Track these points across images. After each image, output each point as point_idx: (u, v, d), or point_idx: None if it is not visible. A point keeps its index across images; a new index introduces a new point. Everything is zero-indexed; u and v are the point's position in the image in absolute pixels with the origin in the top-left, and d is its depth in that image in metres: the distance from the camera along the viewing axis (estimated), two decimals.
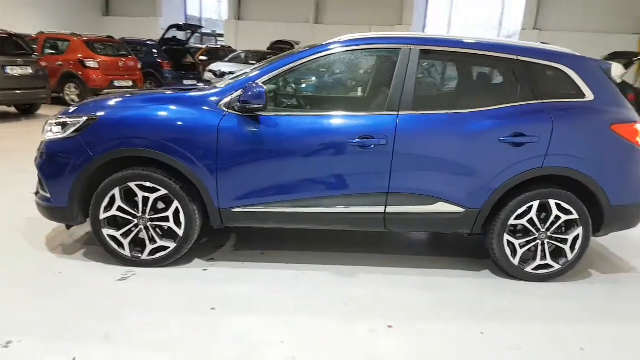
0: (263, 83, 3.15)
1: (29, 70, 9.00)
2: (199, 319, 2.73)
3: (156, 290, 3.02)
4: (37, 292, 2.93)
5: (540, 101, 3.15)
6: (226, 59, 17.91)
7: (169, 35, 14.41)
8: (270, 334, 2.61)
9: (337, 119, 3.19)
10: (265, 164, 3.15)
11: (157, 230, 3.27)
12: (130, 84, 11.79)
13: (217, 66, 16.40)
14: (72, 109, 3.43)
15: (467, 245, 3.95)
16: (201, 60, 17.02)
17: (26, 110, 9.71)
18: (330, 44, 3.26)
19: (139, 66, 12.26)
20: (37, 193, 3.44)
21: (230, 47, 21.75)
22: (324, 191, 3.17)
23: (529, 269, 3.27)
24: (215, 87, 3.34)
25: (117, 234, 3.25)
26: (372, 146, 3.08)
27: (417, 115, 3.13)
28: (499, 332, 2.72)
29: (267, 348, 2.50)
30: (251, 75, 3.25)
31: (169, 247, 3.28)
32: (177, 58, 14.24)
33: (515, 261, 3.25)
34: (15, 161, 6.10)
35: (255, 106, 3.03)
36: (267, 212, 3.22)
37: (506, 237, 3.21)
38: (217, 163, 3.13)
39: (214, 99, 3.19)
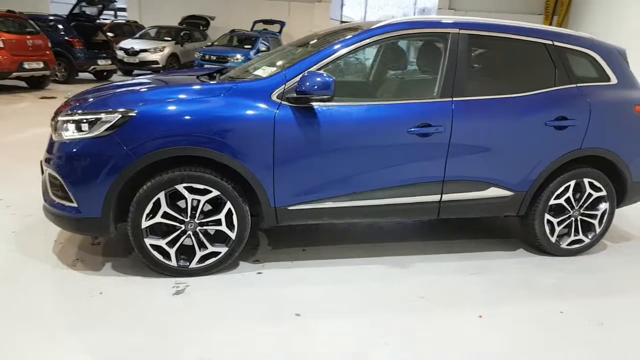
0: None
1: None
2: (288, 328, 2.57)
3: (222, 301, 2.79)
4: (89, 321, 2.57)
5: (575, 85, 3.35)
6: (136, 36, 16.65)
7: (77, 9, 13.03)
8: (369, 336, 2.54)
9: (393, 107, 3.12)
10: (322, 157, 3.00)
11: (206, 235, 3.01)
12: (42, 65, 10.53)
13: (128, 43, 15.20)
14: (86, 101, 2.99)
15: (486, 225, 4.12)
16: None
17: None
18: (378, 28, 3.14)
19: (49, 45, 10.96)
20: (50, 202, 2.98)
21: (136, 22, 20.19)
22: (381, 183, 3.11)
23: (564, 245, 3.50)
24: (260, 77, 3.09)
25: (162, 243, 2.94)
26: (431, 134, 3.07)
27: (470, 101, 3.16)
28: (574, 310, 2.88)
29: (377, 351, 2.43)
30: (301, 63, 3.05)
31: (220, 252, 3.03)
32: (87, 35, 12.94)
33: (553, 239, 3.46)
34: None
35: (321, 97, 2.85)
36: (323, 208, 3.10)
37: (546, 216, 3.40)
38: (274, 159, 2.93)
39: (266, 89, 2.95)
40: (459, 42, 3.19)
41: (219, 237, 3.05)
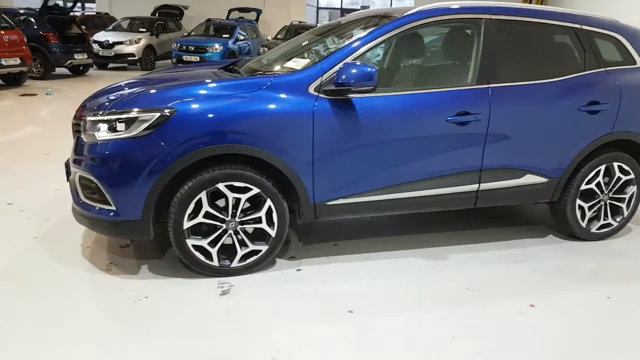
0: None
1: None
2: (348, 326, 2.53)
3: (271, 300, 2.73)
4: (146, 327, 2.47)
5: (604, 69, 3.38)
6: (109, 28, 16.14)
7: (50, 2, 12.53)
8: (431, 331, 2.51)
9: (431, 95, 3.07)
10: (361, 150, 2.95)
11: (246, 233, 2.94)
12: (18, 61, 10.10)
13: (102, 36, 14.72)
14: (116, 100, 2.86)
15: (507, 212, 4.15)
16: None
17: None
18: (412, 15, 3.08)
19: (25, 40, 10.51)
20: (83, 206, 2.85)
21: (107, 13, 19.58)
22: (419, 174, 3.08)
23: (594, 229, 3.55)
24: (294, 69, 3.01)
25: (204, 243, 2.85)
26: (469, 122, 3.05)
27: (506, 87, 3.15)
28: (620, 294, 2.93)
29: (447, 345, 2.40)
30: (337, 53, 2.97)
31: (260, 251, 2.96)
32: (61, 29, 12.47)
33: (584, 223, 3.50)
34: None
35: (363, 88, 2.79)
36: (362, 202, 3.05)
37: (578, 201, 3.44)
38: (314, 154, 2.86)
39: (303, 82, 2.87)
40: (493, 28, 3.17)
41: (259, 235, 2.99)
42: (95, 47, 14.08)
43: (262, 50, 15.27)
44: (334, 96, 2.87)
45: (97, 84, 12.06)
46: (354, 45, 3.00)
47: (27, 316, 2.50)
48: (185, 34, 16.72)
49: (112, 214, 2.74)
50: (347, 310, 2.65)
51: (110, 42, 14.49)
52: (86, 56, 12.82)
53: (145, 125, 2.65)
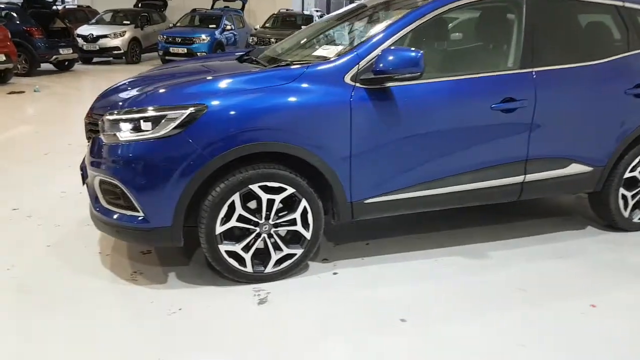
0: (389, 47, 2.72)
1: None
2: (404, 337, 2.34)
3: (314, 308, 2.55)
4: (187, 343, 2.29)
5: None
6: (92, 21, 15.69)
7: None
8: (495, 339, 2.33)
9: (475, 81, 2.90)
10: (401, 143, 2.78)
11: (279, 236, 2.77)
12: (3, 58, 9.71)
13: (86, 30, 14.32)
14: (138, 97, 2.66)
15: (537, 204, 4.03)
16: None
17: None
18: None
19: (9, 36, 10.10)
20: (105, 213, 2.65)
21: (89, 6, 19.04)
22: (462, 167, 2.92)
23: (636, 219, 3.42)
24: (326, 57, 2.81)
25: (237, 248, 2.67)
26: (515, 109, 2.90)
27: (551, 71, 2.99)
28: None
29: (516, 353, 2.24)
30: (373, 38, 2.77)
31: (295, 254, 2.79)
32: (45, 23, 12.04)
33: (627, 213, 3.38)
34: None
35: (408, 75, 2.60)
36: (402, 199, 2.89)
37: (621, 190, 3.32)
38: (351, 148, 2.69)
39: (338, 72, 2.69)
40: (534, 8, 2.99)
41: (293, 238, 2.82)
42: (80, 41, 13.67)
43: (250, 40, 15.01)
44: (371, 85, 2.69)
45: (83, 78, 11.72)
46: (391, 29, 2.79)
47: (55, 336, 2.30)
48: (171, 25, 16.36)
49: (140, 221, 2.54)
50: (398, 318, 2.47)
51: (95, 36, 14.10)
52: (71, 51, 12.43)
53: (175, 123, 2.45)
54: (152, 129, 2.48)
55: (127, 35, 14.60)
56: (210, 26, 15.29)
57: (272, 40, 13.40)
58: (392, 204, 2.90)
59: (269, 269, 2.76)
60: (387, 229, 3.48)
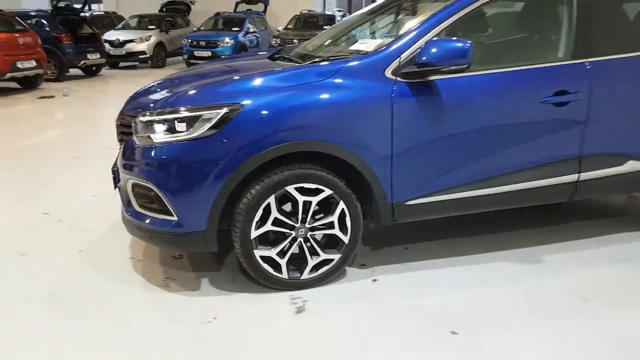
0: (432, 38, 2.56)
1: None
2: (459, 353, 2.18)
3: (355, 318, 2.41)
4: (225, 355, 2.19)
5: None
6: (119, 27, 15.89)
7: (61, 3, 12.28)
8: (560, 356, 2.15)
9: (525, 73, 2.73)
10: (446, 140, 2.62)
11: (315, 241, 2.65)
12: (34, 64, 9.85)
13: (112, 35, 14.49)
14: (171, 97, 2.58)
15: (584, 203, 3.81)
16: None
17: None
18: None
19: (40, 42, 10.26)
20: (138, 217, 2.57)
21: (114, 12, 19.30)
22: (513, 165, 2.74)
23: None
24: (364, 52, 2.68)
25: (272, 254, 2.56)
26: (568, 102, 2.71)
27: (606, 61, 2.79)
28: None
29: None
30: (415, 30, 2.62)
31: (332, 260, 2.66)
32: (73, 29, 12.21)
33: None
34: None
35: (454, 67, 2.45)
36: (447, 200, 2.73)
37: None
38: (392, 147, 2.55)
39: (378, 65, 2.55)
40: None
41: (330, 243, 2.69)
42: (107, 46, 13.84)
43: (273, 42, 15.00)
44: (414, 79, 2.54)
45: (110, 83, 11.84)
46: (435, 19, 2.63)
47: (87, 345, 2.22)
48: (195, 29, 16.46)
49: (174, 225, 2.45)
50: (449, 331, 2.31)
51: (121, 41, 14.25)
52: (99, 56, 12.58)
53: (210, 124, 2.35)
54: (187, 130, 2.38)
55: (153, 40, 14.72)
56: (234, 29, 15.33)
57: (295, 41, 13.33)
58: (436, 206, 2.74)
59: (306, 275, 2.64)
60: (426, 232, 3.32)
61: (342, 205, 2.58)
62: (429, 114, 2.58)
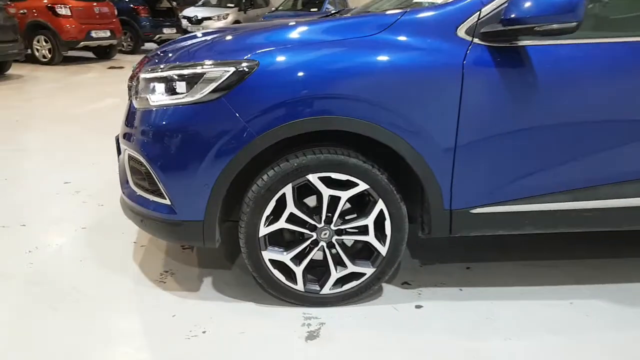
0: None
1: None
2: None
3: (393, 357, 1.82)
4: None
5: None
6: (199, 3, 15.98)
7: None
8: None
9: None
10: (535, 130, 1.92)
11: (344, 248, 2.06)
12: (109, 34, 9.95)
13: (191, 11, 14.58)
14: (179, 51, 2.08)
15: None
16: None
17: None
18: None
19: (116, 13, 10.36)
20: (132, 196, 2.11)
21: None
22: (631, 173, 2.00)
23: None
24: (432, 2, 2.04)
25: (286, 258, 2.01)
26: None
27: None
28: None
29: None
30: None
31: (364, 275, 2.07)
32: (151, 2, 12.30)
33: None
34: (8, 138, 4.56)
35: (557, 26, 1.74)
36: (528, 213, 2.03)
37: None
38: (458, 133, 1.89)
39: (447, 21, 1.89)
40: None
41: (362, 252, 2.10)
42: (184, 22, 13.91)
43: None
44: (497, 42, 1.86)
45: None
46: None
47: (43, 340, 1.80)
48: (273, 9, 16.19)
49: (165, 210, 1.96)
50: None
51: (199, 18, 14.27)
52: (175, 31, 12.61)
53: (214, 85, 1.83)
54: (187, 91, 1.88)
55: (230, 18, 14.63)
56: (312, 9, 14.87)
57: None
58: (512, 218, 2.05)
59: (327, 289, 2.06)
60: (498, 249, 2.62)
61: (380, 205, 1.97)
62: (514, 92, 1.88)
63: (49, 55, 9.12)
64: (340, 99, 1.83)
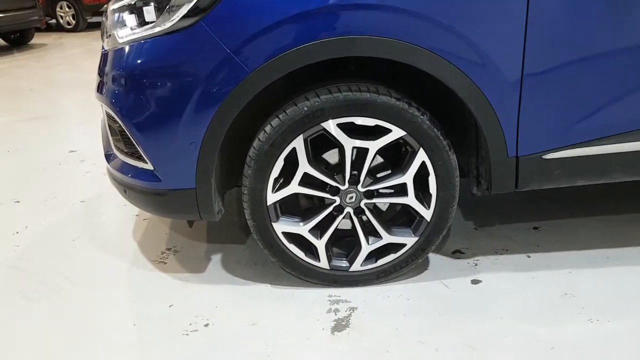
0: None
1: None
2: None
3: (444, 353, 1.39)
4: None
5: None
6: None
7: None
8: None
9: None
10: (628, 51, 1.40)
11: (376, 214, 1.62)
12: None
13: None
14: None
15: None
16: None
17: (16, 41, 7.62)
18: None
19: None
20: (113, 162, 1.74)
21: None
22: None
23: None
24: None
25: (303, 230, 1.59)
26: None
27: None
28: None
29: None
30: None
31: (404, 245, 1.63)
32: None
33: None
34: (21, 108, 4.31)
35: None
36: (618, 154, 1.52)
37: None
38: (525, 58, 1.38)
39: None
40: None
41: (400, 217, 1.66)
42: None
43: None
44: None
45: None
46: None
47: (22, 334, 1.49)
48: None
49: (148, 177, 1.57)
50: None
51: None
52: None
53: (187, 7, 1.38)
54: (158, 20, 1.43)
55: None
56: None
57: None
58: (597, 163, 1.54)
59: (357, 265, 1.64)
60: (573, 203, 2.11)
61: (422, 156, 1.50)
62: (596, 2, 1.35)
63: (74, 22, 8.86)
64: (365, 9, 1.33)
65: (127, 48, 1.48)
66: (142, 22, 1.47)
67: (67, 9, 8.82)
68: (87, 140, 3.26)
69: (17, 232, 2.15)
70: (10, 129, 3.65)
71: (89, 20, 9.05)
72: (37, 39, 7.84)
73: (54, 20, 8.93)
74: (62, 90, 4.85)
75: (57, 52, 7.10)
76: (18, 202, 2.45)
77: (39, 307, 1.66)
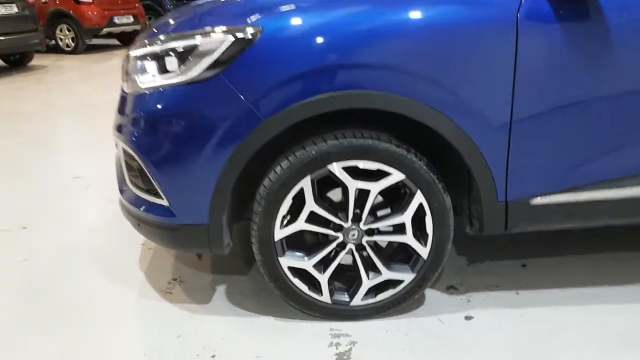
0: None
1: (13, 9, 6.95)
2: None
3: None
4: None
5: None
6: None
7: None
8: None
9: None
10: (615, 94, 1.53)
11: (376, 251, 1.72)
12: (132, 19, 9.75)
13: None
14: (171, 24, 1.76)
15: None
16: None
17: (16, 62, 7.71)
18: None
19: None
20: (128, 196, 1.83)
21: None
22: None
23: None
24: None
25: (308, 265, 1.69)
26: None
27: None
28: None
29: None
30: None
31: (402, 282, 1.73)
32: None
33: None
34: (21, 130, 4.38)
35: None
36: (604, 201, 1.64)
37: None
38: (513, 107, 1.51)
39: None
40: None
41: (399, 255, 1.76)
42: None
43: None
44: None
45: None
46: None
47: None
48: None
49: (163, 212, 1.67)
50: None
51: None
52: None
53: (209, 60, 1.50)
54: (180, 69, 1.55)
55: None
56: None
57: None
58: (583, 208, 1.66)
59: (358, 300, 1.73)
60: (558, 242, 2.23)
61: (419, 197, 1.62)
62: (584, 52, 1.49)
63: (73, 44, 8.99)
64: (367, 68, 1.47)
65: (149, 93, 1.59)
66: (163, 70, 1.59)
67: (67, 32, 8.96)
68: (91, 167, 3.33)
69: (25, 260, 2.21)
70: (12, 153, 3.72)
71: (88, 43, 9.19)
72: (36, 60, 7.94)
73: (53, 42, 9.05)
74: (62, 114, 4.92)
75: (56, 74, 7.19)
76: (25, 228, 2.51)
77: (47, 337, 1.72)
